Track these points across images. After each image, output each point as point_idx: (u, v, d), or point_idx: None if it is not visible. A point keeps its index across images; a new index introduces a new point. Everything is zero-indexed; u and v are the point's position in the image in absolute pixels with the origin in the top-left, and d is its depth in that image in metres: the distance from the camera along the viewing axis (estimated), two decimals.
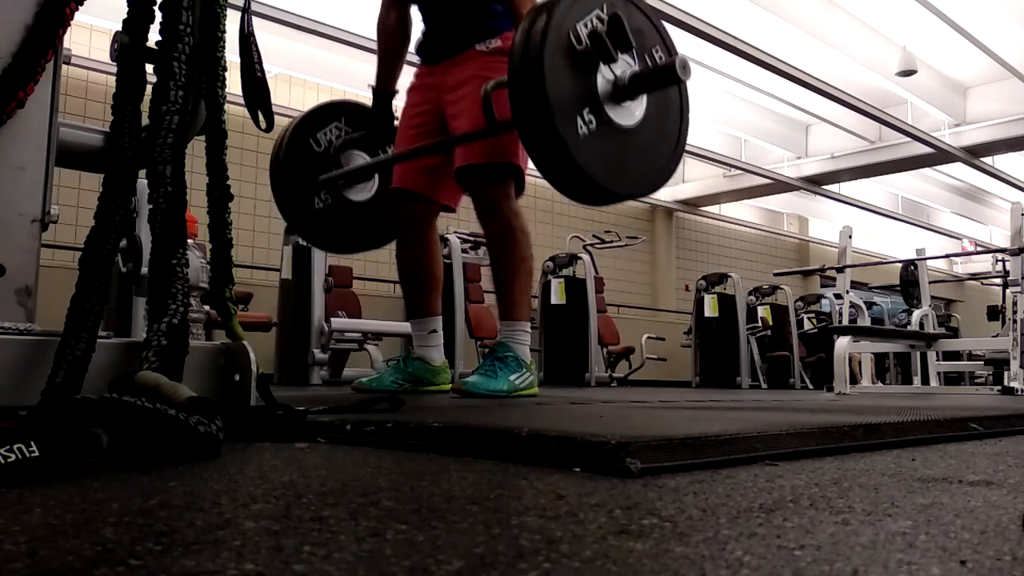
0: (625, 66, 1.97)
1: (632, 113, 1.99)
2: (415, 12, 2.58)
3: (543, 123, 1.83)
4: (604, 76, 1.93)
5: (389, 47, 2.60)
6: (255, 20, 1.57)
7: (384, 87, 2.61)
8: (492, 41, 2.36)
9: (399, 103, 2.62)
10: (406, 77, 2.64)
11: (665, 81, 2.03)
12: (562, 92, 1.85)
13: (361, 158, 2.64)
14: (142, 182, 1.31)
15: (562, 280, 7.09)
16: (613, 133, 1.93)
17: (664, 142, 2.11)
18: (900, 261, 7.51)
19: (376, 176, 2.69)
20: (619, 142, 1.96)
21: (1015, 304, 4.87)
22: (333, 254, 4.84)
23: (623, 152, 1.98)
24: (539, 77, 1.81)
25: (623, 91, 1.95)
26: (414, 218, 2.52)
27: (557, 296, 7.05)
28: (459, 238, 5.90)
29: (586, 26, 1.91)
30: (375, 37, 2.64)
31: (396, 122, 2.63)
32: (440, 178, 2.46)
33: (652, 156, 2.07)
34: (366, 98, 2.65)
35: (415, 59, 2.59)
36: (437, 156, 2.45)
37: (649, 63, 2.03)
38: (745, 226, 12.26)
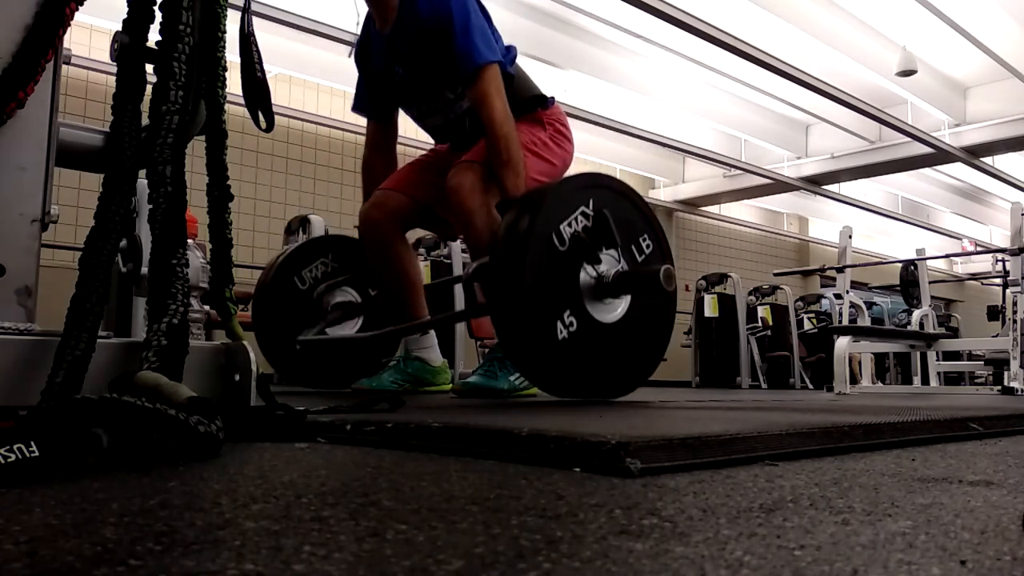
0: (610, 262, 1.95)
1: (615, 309, 1.97)
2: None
3: (523, 335, 1.83)
4: (588, 273, 1.92)
5: (374, 187, 2.56)
6: (255, 20, 1.56)
7: None
8: None
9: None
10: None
11: (648, 289, 2.01)
12: (543, 299, 1.82)
13: (347, 295, 2.62)
14: (142, 182, 1.31)
15: None
16: (594, 331, 1.92)
17: (647, 336, 2.09)
18: (900, 261, 7.50)
19: (360, 314, 2.67)
20: (600, 339, 1.94)
21: (1015, 304, 4.87)
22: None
23: (603, 350, 1.96)
24: (520, 287, 1.79)
25: (606, 288, 1.94)
26: (378, 227, 2.48)
27: None
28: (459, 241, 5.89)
29: (570, 226, 1.88)
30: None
31: None
32: (434, 193, 2.45)
33: (633, 352, 2.06)
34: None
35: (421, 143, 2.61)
36: (436, 180, 2.42)
37: (636, 254, 2.01)
38: (745, 226, 12.26)
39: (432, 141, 2.67)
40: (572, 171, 2.80)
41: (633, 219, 2.07)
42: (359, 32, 2.60)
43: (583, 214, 1.91)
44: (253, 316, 2.58)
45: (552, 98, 2.48)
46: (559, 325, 1.84)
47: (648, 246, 2.05)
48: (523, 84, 2.41)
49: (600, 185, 2.03)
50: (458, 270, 5.76)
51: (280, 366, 2.61)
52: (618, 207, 2.00)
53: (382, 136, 2.60)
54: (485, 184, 2.21)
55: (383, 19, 2.36)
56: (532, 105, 2.40)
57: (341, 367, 2.64)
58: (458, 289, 5.68)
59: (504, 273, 1.81)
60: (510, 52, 2.35)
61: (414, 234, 2.62)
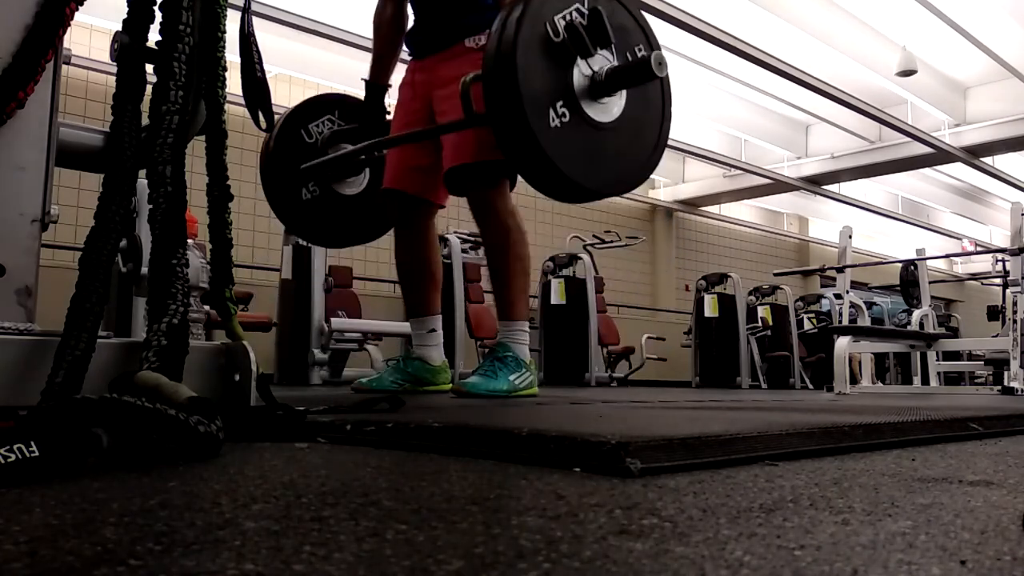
0: (604, 62, 1.94)
1: (609, 110, 1.96)
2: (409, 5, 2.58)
3: (514, 115, 1.80)
4: (581, 71, 1.90)
5: (384, 40, 2.60)
6: (255, 20, 1.56)
7: (377, 80, 2.61)
8: (481, 38, 2.35)
9: (392, 99, 2.62)
10: (400, 74, 2.64)
11: (641, 77, 2.00)
12: (535, 84, 1.82)
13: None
14: (142, 182, 1.31)
15: (562, 280, 7.09)
16: (588, 129, 1.90)
17: (643, 140, 2.08)
18: (900, 261, 7.51)
19: (367, 170, 2.67)
20: (594, 138, 1.92)
21: (1015, 304, 4.87)
22: (329, 249, 4.82)
23: (598, 149, 1.94)
24: (511, 68, 1.79)
25: (600, 87, 1.93)
26: (409, 218, 2.52)
27: (557, 296, 7.05)
28: (459, 238, 5.90)
29: (564, 19, 1.88)
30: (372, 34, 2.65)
31: (389, 116, 2.62)
32: (430, 178, 2.46)
33: (629, 154, 2.04)
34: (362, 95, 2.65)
35: (406, 57, 2.59)
36: (428, 156, 2.44)
37: (630, 59, 2.01)
38: (745, 226, 12.27)
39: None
40: None
41: (628, 26, 2.05)
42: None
43: (578, 10, 1.91)
44: (261, 168, 2.58)
45: None
46: (552, 113, 1.83)
47: (641, 52, 2.04)
48: None
49: None
50: (458, 269, 5.77)
51: (287, 218, 2.64)
52: (613, 9, 2.00)
53: None
54: (500, 189, 2.33)
55: None
56: None
57: (346, 223, 2.66)
58: (458, 285, 5.70)
59: (497, 58, 1.81)
60: None
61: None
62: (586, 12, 1.92)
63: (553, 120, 1.84)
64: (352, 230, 2.70)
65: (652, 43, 2.09)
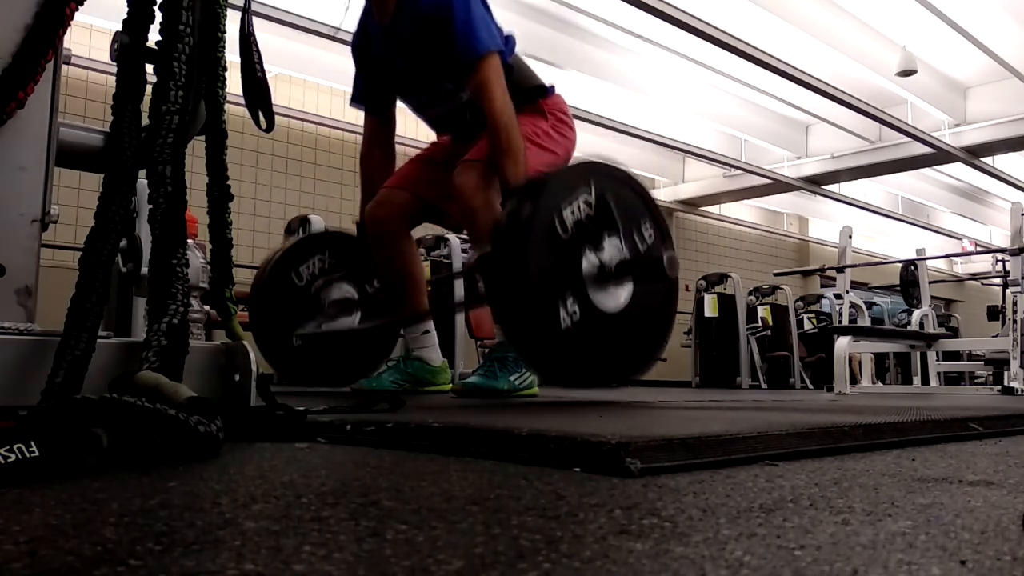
0: (613, 249, 1.93)
1: (618, 297, 1.95)
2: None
3: (526, 324, 1.81)
4: (590, 260, 1.90)
5: (374, 182, 2.56)
6: (255, 20, 1.56)
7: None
8: None
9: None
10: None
11: (652, 276, 2.00)
12: (546, 286, 1.81)
13: (345, 290, 2.61)
14: (142, 182, 1.31)
15: None
16: (597, 317, 1.90)
17: (650, 324, 2.07)
18: (900, 261, 7.50)
19: (358, 308, 2.66)
20: (603, 328, 1.92)
21: (1015, 304, 4.87)
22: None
23: (607, 338, 1.94)
24: (523, 275, 1.77)
25: (609, 276, 1.93)
26: (386, 224, 2.48)
27: None
28: (459, 238, 5.90)
29: (572, 213, 1.86)
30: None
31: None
32: (438, 189, 2.45)
33: (637, 339, 2.04)
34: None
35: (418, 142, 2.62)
36: (441, 175, 2.42)
37: (638, 242, 2.00)
38: (745, 226, 12.26)
39: (432, 135, 2.67)
40: None
41: (634, 206, 2.05)
42: (353, 27, 2.59)
43: (585, 201, 1.90)
44: (250, 313, 2.56)
45: (552, 87, 2.48)
46: (563, 312, 1.84)
47: (650, 234, 2.04)
48: (522, 74, 2.40)
49: (601, 171, 2.02)
50: (458, 269, 5.76)
51: (278, 363, 2.60)
52: (619, 194, 2.00)
53: (380, 130, 2.60)
54: (489, 182, 2.22)
55: (382, 10, 2.35)
56: (532, 95, 2.40)
57: (340, 364, 2.63)
58: (459, 286, 5.69)
59: (507, 259, 1.80)
60: (509, 42, 2.34)
61: (413, 233, 2.62)
62: (593, 201, 1.90)
63: (564, 320, 1.82)
64: (344, 369, 2.63)
65: (657, 220, 2.08)
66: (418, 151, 2.67)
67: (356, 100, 2.57)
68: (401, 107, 2.60)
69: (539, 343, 1.84)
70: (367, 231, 2.53)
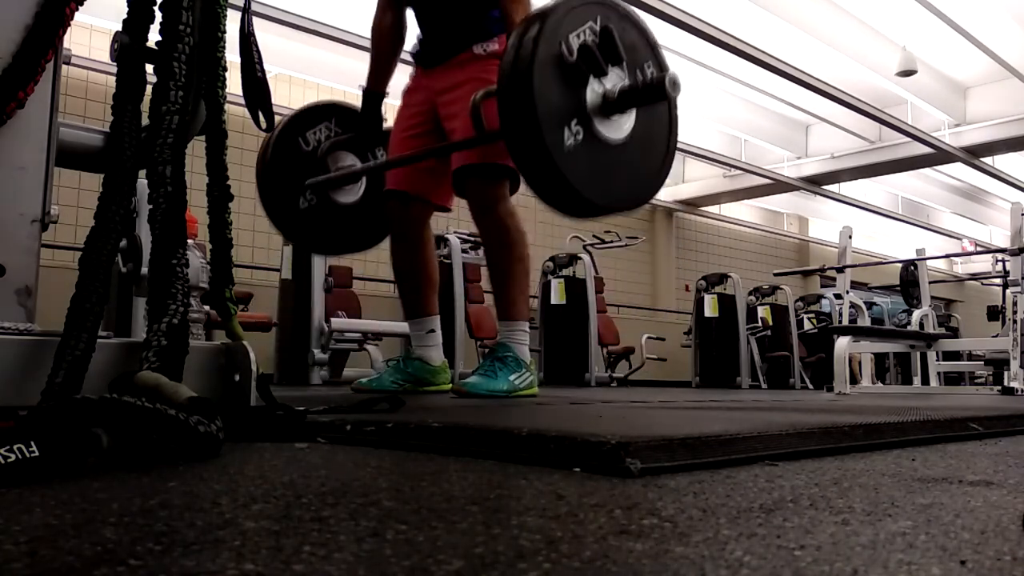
0: (615, 80, 1.96)
1: (620, 127, 1.98)
2: (411, 15, 2.58)
3: (530, 134, 1.82)
4: (593, 89, 1.92)
5: (383, 49, 2.59)
6: (255, 20, 1.56)
7: (375, 88, 2.60)
8: (489, 44, 2.36)
9: (391, 103, 2.61)
10: (401, 77, 2.63)
11: (654, 97, 2.02)
12: (550, 103, 1.83)
13: (350, 159, 2.62)
14: (142, 182, 1.31)
15: (562, 280, 7.09)
16: (600, 146, 1.92)
17: (651, 157, 2.09)
18: (900, 261, 7.51)
19: (364, 179, 2.68)
20: (606, 156, 1.94)
21: (1015, 304, 4.87)
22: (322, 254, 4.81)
23: (610, 166, 1.96)
24: (528, 87, 1.80)
25: (612, 105, 1.94)
26: (407, 218, 2.51)
27: (557, 296, 7.04)
28: (459, 238, 5.90)
29: (578, 37, 1.90)
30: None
31: (386, 125, 2.62)
32: (435, 179, 2.46)
33: (639, 171, 2.06)
34: (359, 99, 2.65)
35: (411, 61, 2.59)
36: (433, 159, 2.44)
37: (640, 78, 2.03)
38: (745, 226, 12.26)
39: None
40: None
41: (638, 44, 2.07)
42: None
43: (590, 29, 1.93)
44: (258, 176, 2.57)
45: None
46: (566, 132, 1.85)
47: (652, 73, 2.06)
48: None
49: (606, 3, 2.04)
50: (458, 269, 5.76)
51: (284, 226, 2.63)
52: (624, 28, 2.02)
53: None
54: (501, 190, 2.32)
55: None
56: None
57: (343, 231, 2.65)
58: (458, 285, 5.70)
59: (513, 76, 1.82)
60: None
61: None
62: (598, 30, 1.94)
63: (568, 139, 1.85)
64: (350, 238, 2.70)
65: (660, 61, 2.10)
66: (400, 126, 2.62)
67: None
68: (394, 86, 2.59)
69: (543, 162, 1.84)
70: (391, 225, 2.55)
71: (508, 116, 1.87)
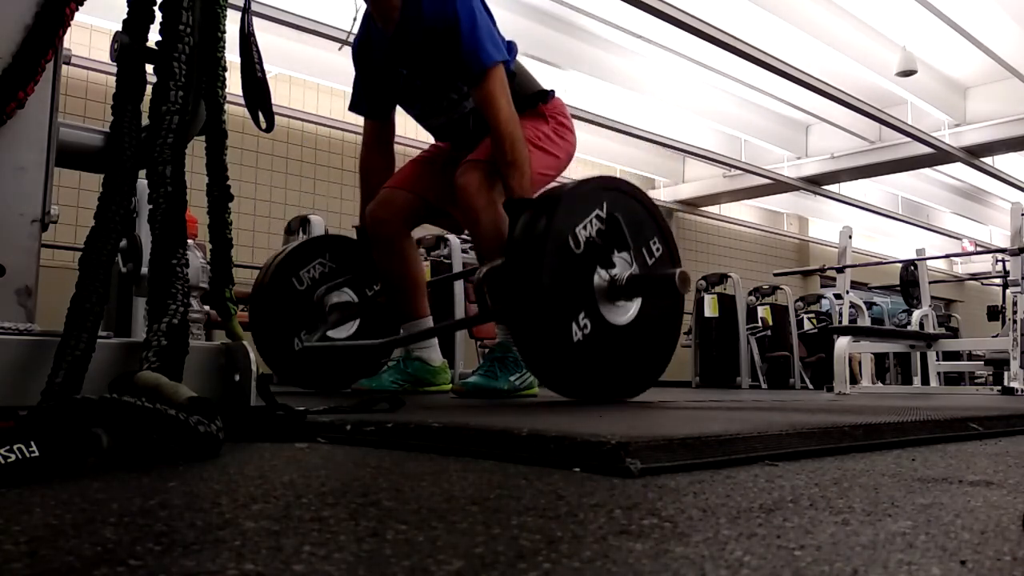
0: (623, 265, 1.96)
1: (627, 311, 1.98)
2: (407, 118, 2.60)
3: (539, 336, 1.84)
4: (601, 276, 1.93)
5: (373, 185, 2.57)
6: (255, 20, 1.56)
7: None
8: None
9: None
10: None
11: (663, 293, 2.02)
12: (559, 302, 1.83)
13: (346, 295, 2.62)
14: (142, 182, 1.31)
15: None
16: (607, 332, 1.92)
17: (657, 337, 2.10)
18: (900, 261, 7.50)
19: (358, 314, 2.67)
20: (612, 342, 1.95)
21: (1015, 304, 4.87)
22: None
23: (616, 351, 1.97)
24: (537, 291, 1.80)
25: (619, 291, 1.94)
26: (385, 226, 2.49)
27: None
28: (459, 239, 5.89)
29: (584, 229, 1.89)
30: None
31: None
32: (439, 190, 2.45)
33: (645, 351, 2.07)
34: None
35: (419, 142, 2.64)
36: (439, 176, 2.43)
37: (647, 257, 2.02)
38: (745, 226, 12.26)
39: (431, 138, 2.67)
40: (572, 171, 2.81)
41: (643, 222, 2.08)
42: (357, 31, 2.59)
43: (597, 217, 1.92)
44: (251, 318, 2.57)
45: (552, 91, 2.49)
46: (574, 327, 1.85)
47: (658, 249, 2.06)
48: (524, 80, 2.41)
49: (612, 188, 2.05)
50: (458, 269, 5.76)
51: (278, 368, 2.61)
52: (629, 210, 2.01)
53: (380, 135, 2.60)
54: (492, 182, 2.23)
55: (385, 19, 2.35)
56: (534, 100, 2.41)
57: (340, 369, 2.63)
58: (458, 288, 5.69)
59: (521, 274, 1.82)
60: (512, 49, 2.35)
61: (413, 233, 2.63)
62: (604, 218, 1.93)
63: (576, 334, 1.86)
64: (345, 373, 2.64)
65: (666, 235, 2.10)
66: (418, 151, 2.67)
67: (355, 107, 2.58)
68: (402, 110, 2.60)
69: (551, 357, 1.86)
70: (368, 232, 2.53)
71: (516, 320, 1.88)
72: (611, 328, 1.93)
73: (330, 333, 2.60)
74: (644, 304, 2.02)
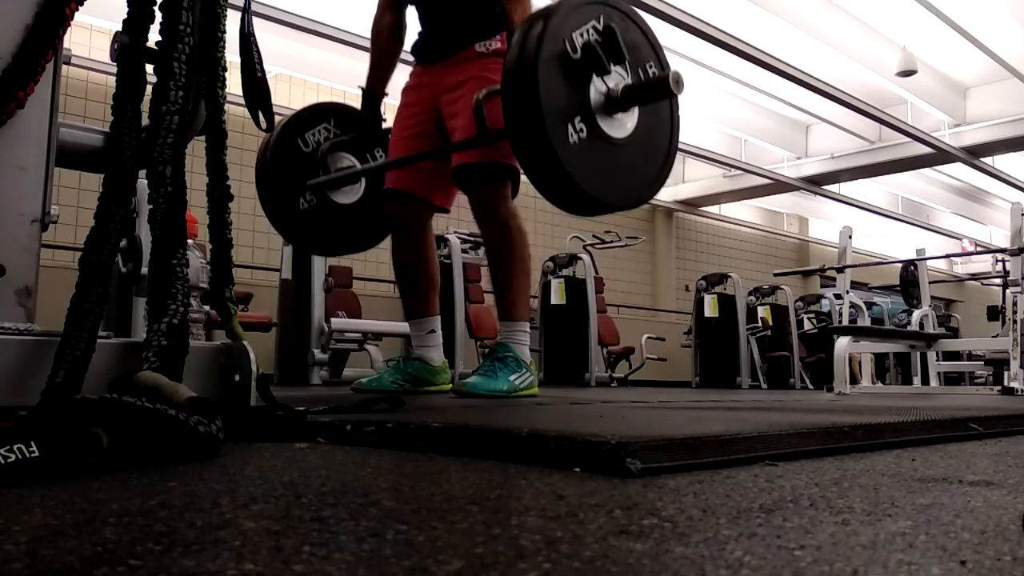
0: (618, 78, 1.97)
1: (623, 125, 1.99)
2: (412, 13, 2.58)
3: (534, 131, 1.83)
4: (597, 87, 1.93)
5: (382, 48, 2.59)
6: (255, 20, 1.56)
7: (374, 89, 2.60)
8: (491, 42, 2.37)
9: (391, 103, 2.61)
10: (400, 77, 2.63)
11: (658, 94, 2.03)
12: (554, 100, 1.84)
13: (349, 160, 2.62)
14: (142, 182, 1.31)
15: (562, 280, 7.09)
16: (603, 144, 1.92)
17: (653, 155, 2.10)
18: (900, 261, 7.50)
19: (363, 179, 2.68)
20: (609, 153, 1.95)
21: (1015, 304, 4.87)
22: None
23: (612, 163, 1.97)
24: (532, 84, 1.81)
25: (615, 103, 1.95)
26: (408, 219, 2.51)
27: (557, 296, 7.04)
28: (459, 238, 5.90)
29: (582, 36, 1.91)
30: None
31: (385, 125, 2.62)
32: (435, 179, 2.46)
33: (641, 169, 2.07)
34: (359, 99, 2.65)
35: (410, 59, 2.59)
36: (433, 164, 2.44)
37: (642, 76, 2.03)
38: (745, 226, 12.26)
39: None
40: None
41: (640, 43, 2.08)
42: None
43: (593, 28, 1.93)
44: (257, 177, 2.57)
45: None
46: (570, 129, 1.86)
47: (654, 72, 2.06)
48: None
49: (609, 3, 2.05)
50: (458, 269, 5.76)
51: (283, 227, 2.63)
52: (626, 27, 2.02)
53: None
54: (502, 190, 2.31)
55: None
56: None
57: (344, 232, 2.65)
58: (458, 287, 5.69)
59: (518, 73, 1.83)
60: None
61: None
62: (601, 28, 1.94)
63: (572, 136, 1.86)
64: (350, 238, 2.69)
65: (662, 60, 2.11)
66: (401, 126, 2.62)
67: None
68: (394, 85, 2.58)
69: (548, 157, 1.85)
70: (391, 224, 2.55)
71: (512, 113, 1.87)
72: (608, 139, 1.94)
73: (336, 199, 2.61)
74: (641, 119, 2.03)
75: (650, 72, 2.06)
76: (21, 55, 1.19)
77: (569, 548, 0.51)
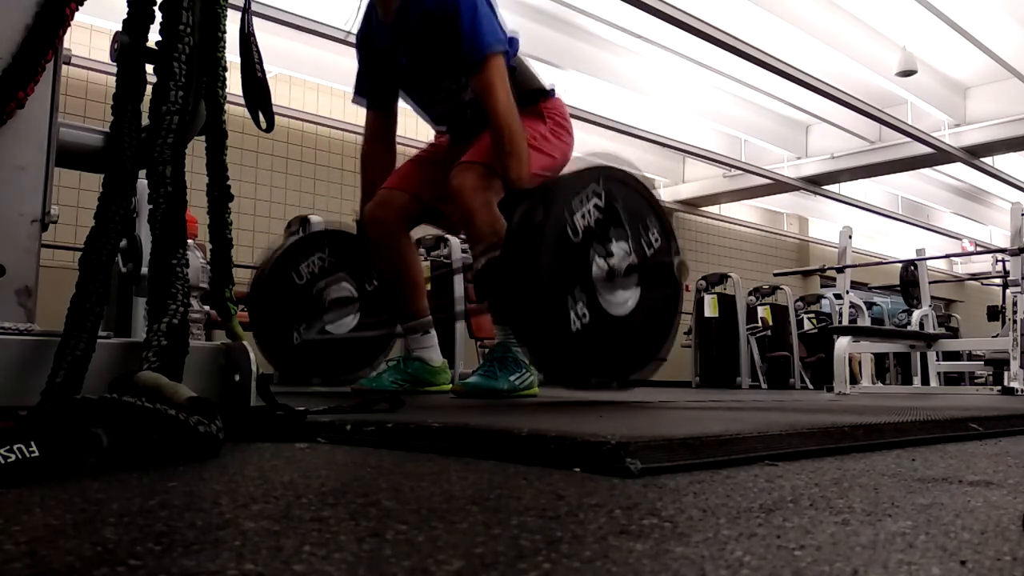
0: (621, 253, 1.95)
1: (625, 301, 1.98)
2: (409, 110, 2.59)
3: (538, 328, 1.83)
4: (599, 266, 1.92)
5: (373, 178, 2.57)
6: (255, 20, 1.56)
7: None
8: None
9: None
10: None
11: (662, 281, 2.02)
12: (558, 289, 1.83)
13: (345, 289, 2.62)
14: (142, 182, 1.31)
15: None
16: (606, 323, 1.92)
17: (656, 327, 2.10)
18: (900, 261, 7.50)
19: (357, 308, 2.67)
20: (611, 332, 1.94)
21: (1015, 304, 4.87)
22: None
23: (613, 343, 1.96)
24: (537, 279, 1.80)
25: (618, 281, 1.94)
26: (388, 220, 2.49)
27: None
28: (459, 238, 5.89)
29: (583, 217, 1.89)
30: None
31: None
32: (436, 190, 2.46)
33: (643, 342, 2.06)
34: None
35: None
36: (437, 175, 2.43)
37: (645, 246, 2.02)
38: (745, 226, 12.26)
39: (432, 136, 2.67)
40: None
41: (641, 209, 2.07)
42: (354, 25, 2.59)
43: (595, 206, 1.92)
44: (249, 311, 2.57)
45: (552, 89, 2.48)
46: (572, 316, 1.85)
47: (656, 238, 2.06)
48: (524, 76, 2.41)
49: (612, 177, 2.03)
50: (458, 268, 5.75)
51: (277, 362, 2.61)
52: (627, 197, 2.01)
53: (382, 126, 2.60)
54: (486, 183, 2.23)
55: (386, 8, 2.36)
56: (533, 98, 2.40)
57: (339, 362, 2.64)
58: (458, 284, 5.69)
59: (520, 262, 1.82)
60: (513, 43, 2.34)
61: (413, 233, 2.63)
62: (603, 207, 1.93)
63: (575, 323, 1.85)
64: (344, 366, 2.66)
65: (666, 226, 2.10)
66: (417, 151, 2.67)
67: (359, 94, 2.58)
68: (403, 107, 2.60)
69: (549, 345, 1.85)
70: (365, 232, 2.54)
71: (515, 304, 1.87)
72: (610, 318, 1.93)
73: (330, 327, 2.60)
74: (643, 294, 2.02)
75: (652, 238, 2.05)
76: (21, 55, 1.18)
77: (569, 548, 0.51)
